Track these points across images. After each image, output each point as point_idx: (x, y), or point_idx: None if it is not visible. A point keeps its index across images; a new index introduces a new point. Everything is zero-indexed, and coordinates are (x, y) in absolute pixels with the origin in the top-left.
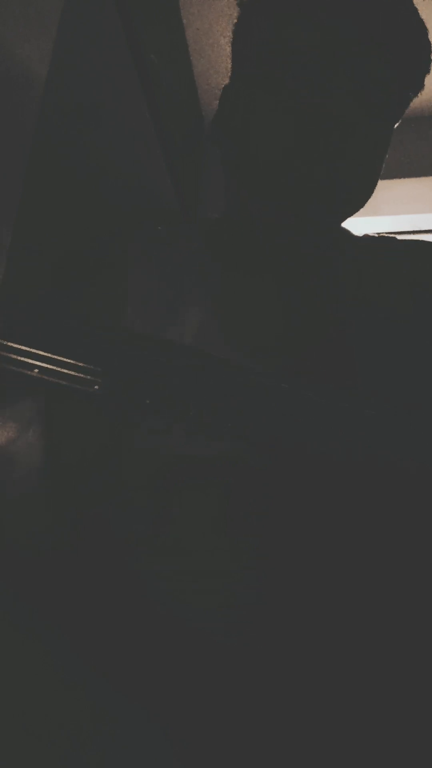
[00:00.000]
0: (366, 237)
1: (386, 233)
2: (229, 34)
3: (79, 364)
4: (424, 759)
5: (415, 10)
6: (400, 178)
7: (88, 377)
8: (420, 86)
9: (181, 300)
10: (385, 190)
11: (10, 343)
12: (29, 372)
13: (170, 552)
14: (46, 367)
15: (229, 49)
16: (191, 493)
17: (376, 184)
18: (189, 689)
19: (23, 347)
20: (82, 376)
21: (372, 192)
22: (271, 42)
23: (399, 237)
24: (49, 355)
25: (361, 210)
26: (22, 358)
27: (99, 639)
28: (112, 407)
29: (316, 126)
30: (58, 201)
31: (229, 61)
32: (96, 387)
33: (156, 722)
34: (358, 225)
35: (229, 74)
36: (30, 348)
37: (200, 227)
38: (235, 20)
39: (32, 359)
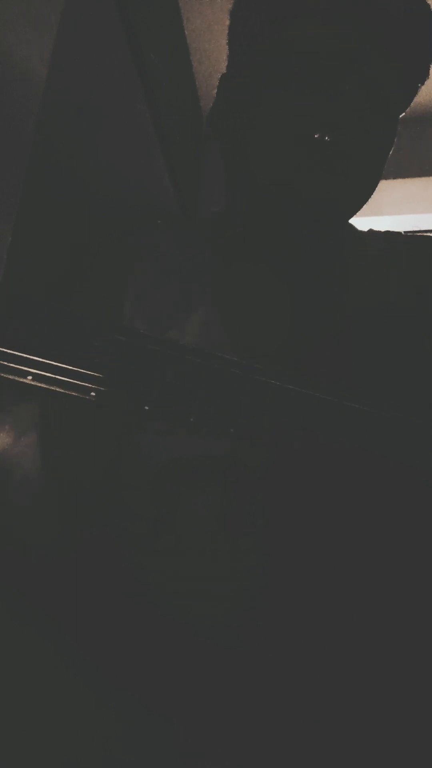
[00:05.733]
0: (371, 232)
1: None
2: None
3: (76, 369)
4: (426, 759)
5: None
6: (400, 178)
7: (84, 384)
8: (426, 75)
9: (181, 298)
10: (386, 190)
11: (3, 349)
12: (23, 379)
13: (171, 554)
14: (41, 374)
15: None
16: (192, 495)
17: (378, 181)
18: (190, 688)
19: (17, 353)
20: (77, 382)
21: (374, 189)
22: (273, 40)
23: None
24: (45, 360)
25: (362, 210)
26: (16, 365)
27: (100, 640)
28: (110, 413)
29: (325, 128)
30: (58, 201)
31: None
32: (92, 394)
33: (157, 720)
34: (358, 225)
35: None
36: (24, 354)
37: (201, 224)
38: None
39: (26, 366)
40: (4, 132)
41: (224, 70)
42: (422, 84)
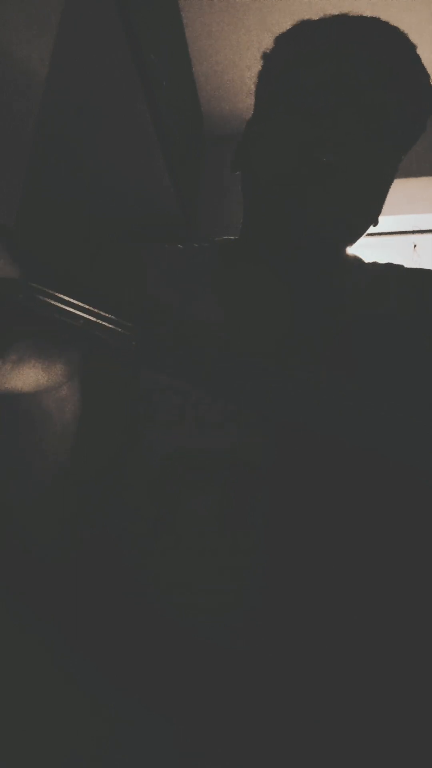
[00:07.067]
0: (374, 264)
1: (387, 233)
2: (230, 34)
3: (120, 320)
4: (426, 759)
5: (416, 53)
6: (400, 178)
7: (127, 333)
8: (423, 123)
9: (192, 302)
10: None
11: (59, 294)
12: (75, 322)
13: (172, 551)
14: (90, 320)
15: (228, 49)
16: (193, 494)
17: (379, 212)
18: (190, 688)
19: (70, 299)
20: (121, 331)
21: (375, 219)
22: (282, 82)
23: (401, 236)
24: (93, 309)
25: None
26: (69, 309)
27: (100, 640)
28: (144, 364)
29: (323, 149)
30: (58, 201)
31: (229, 61)
32: (134, 343)
33: (157, 720)
34: None
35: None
36: (76, 300)
37: (219, 246)
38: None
39: (78, 311)
40: (4, 132)
41: (224, 70)
42: (421, 129)
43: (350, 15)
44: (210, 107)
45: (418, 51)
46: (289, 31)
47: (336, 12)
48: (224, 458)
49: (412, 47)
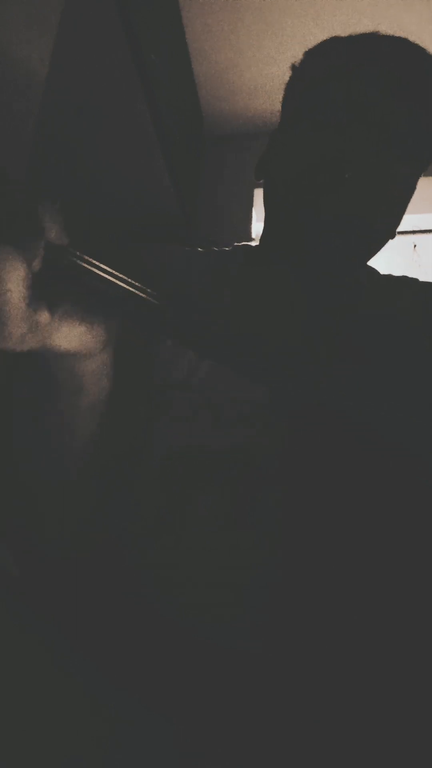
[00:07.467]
0: (389, 275)
1: None
2: (229, 34)
3: (154, 293)
4: (426, 759)
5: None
6: None
7: (161, 306)
8: None
9: (212, 298)
10: None
11: (99, 263)
12: (114, 291)
13: (173, 550)
14: (128, 290)
15: (228, 49)
16: (199, 490)
17: (395, 225)
18: (190, 688)
19: (110, 269)
20: (156, 303)
21: (392, 232)
22: (303, 97)
23: (401, 236)
24: (130, 280)
25: None
26: (108, 277)
27: (100, 640)
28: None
29: (338, 161)
30: (58, 201)
31: (229, 61)
32: (166, 316)
33: (157, 720)
34: None
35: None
36: (116, 271)
37: (239, 250)
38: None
39: (117, 280)
40: (4, 132)
41: (224, 70)
42: None
43: (375, 34)
44: (210, 107)
45: None
46: (315, 47)
47: (336, 12)
48: (232, 457)
49: (427, 59)
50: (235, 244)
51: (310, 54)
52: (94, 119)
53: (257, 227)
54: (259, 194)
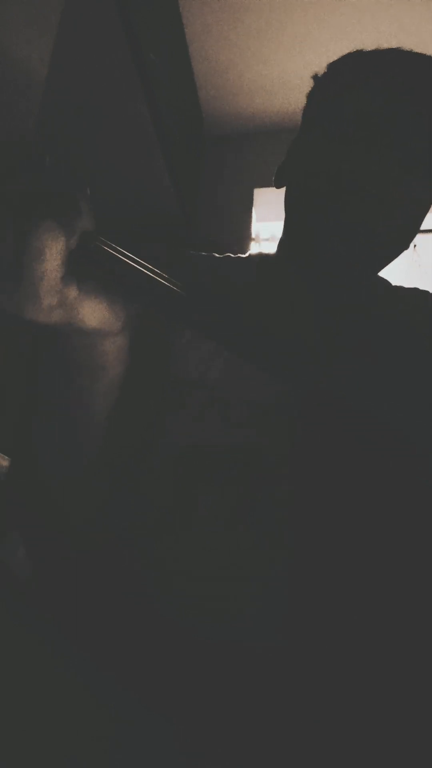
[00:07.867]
0: (401, 287)
1: None
2: (229, 34)
3: (175, 281)
4: (426, 759)
5: None
6: None
7: (181, 294)
8: None
9: (225, 295)
10: None
11: (126, 252)
12: (136, 277)
13: (174, 549)
14: (151, 276)
15: (228, 49)
16: (203, 489)
17: (409, 236)
18: (190, 688)
19: (133, 256)
20: (177, 291)
21: (406, 243)
22: (319, 108)
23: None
24: (153, 268)
25: None
26: (132, 263)
27: (101, 640)
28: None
29: (341, 174)
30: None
31: (229, 61)
32: (185, 304)
33: (157, 720)
34: None
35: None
36: (138, 258)
37: (255, 257)
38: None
39: (140, 266)
40: (4, 132)
41: (224, 70)
42: None
43: (386, 49)
44: (210, 107)
45: (419, 51)
46: (335, 61)
47: (336, 12)
48: (232, 457)
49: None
50: (251, 252)
51: (329, 66)
52: (94, 119)
53: (257, 227)
54: (258, 194)
